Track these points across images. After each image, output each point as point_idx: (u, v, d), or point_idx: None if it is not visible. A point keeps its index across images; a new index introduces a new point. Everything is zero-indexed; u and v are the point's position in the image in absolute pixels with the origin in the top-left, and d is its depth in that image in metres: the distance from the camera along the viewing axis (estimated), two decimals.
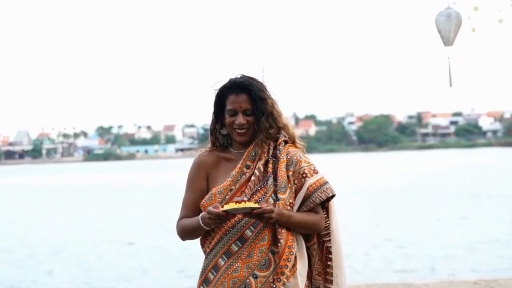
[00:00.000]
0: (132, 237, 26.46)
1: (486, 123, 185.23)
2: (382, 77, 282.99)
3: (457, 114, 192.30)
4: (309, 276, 4.16)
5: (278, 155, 4.10)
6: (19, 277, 19.20)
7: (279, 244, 3.98)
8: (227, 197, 4.04)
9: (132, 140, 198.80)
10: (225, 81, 4.17)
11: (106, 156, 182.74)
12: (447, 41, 10.58)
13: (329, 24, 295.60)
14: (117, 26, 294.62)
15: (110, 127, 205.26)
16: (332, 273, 4.19)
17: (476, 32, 11.10)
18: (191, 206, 4.16)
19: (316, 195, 4.07)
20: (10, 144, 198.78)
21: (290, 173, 4.07)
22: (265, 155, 4.11)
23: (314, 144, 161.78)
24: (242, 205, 3.85)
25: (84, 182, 72.95)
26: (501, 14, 10.96)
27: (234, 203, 3.88)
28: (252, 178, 4.06)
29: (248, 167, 4.10)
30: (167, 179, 68.41)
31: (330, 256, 4.19)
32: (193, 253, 20.05)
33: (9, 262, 21.86)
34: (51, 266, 20.81)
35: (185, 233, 4.14)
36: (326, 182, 4.12)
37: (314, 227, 4.10)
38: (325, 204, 4.16)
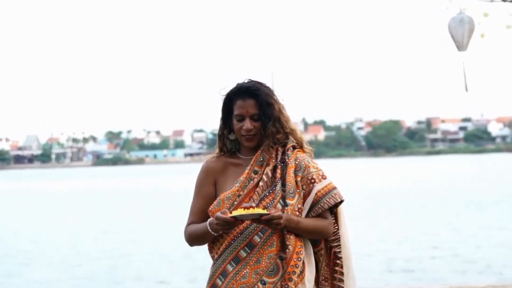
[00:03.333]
0: (138, 242, 26.46)
1: (495, 129, 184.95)
2: (391, 82, 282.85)
3: (466, 120, 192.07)
4: (316, 282, 4.16)
5: (287, 160, 4.09)
6: (24, 282, 19.22)
7: (287, 250, 3.97)
8: (235, 203, 4.03)
9: (141, 145, 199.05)
10: (232, 86, 4.17)
11: (115, 161, 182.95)
12: (461, 46, 10.55)
13: (338, 29, 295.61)
14: (127, 31, 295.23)
15: (119, 132, 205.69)
16: (339, 278, 4.18)
17: (485, 38, 11.08)
18: (199, 212, 4.16)
19: (324, 201, 4.06)
20: (20, 148, 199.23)
21: (299, 179, 4.06)
22: (273, 160, 4.11)
23: (323, 149, 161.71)
24: (251, 211, 3.84)
25: (93, 187, 73.04)
26: (511, 18, 10.93)
27: (242, 209, 3.87)
28: (260, 183, 4.05)
29: (256, 172, 4.09)
30: (175, 184, 68.42)
31: (337, 261, 4.18)
32: (201, 259, 20.04)
33: (14, 265, 21.88)
34: (55, 270, 20.83)
35: (193, 239, 4.13)
36: (334, 188, 4.10)
37: (323, 233, 4.09)
38: (333, 210, 4.15)
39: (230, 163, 4.18)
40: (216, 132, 4.29)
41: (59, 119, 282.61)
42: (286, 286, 3.96)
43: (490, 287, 11.15)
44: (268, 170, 4.08)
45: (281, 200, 4.00)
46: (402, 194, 46.16)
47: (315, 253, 4.15)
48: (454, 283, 15.37)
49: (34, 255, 24.31)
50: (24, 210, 44.80)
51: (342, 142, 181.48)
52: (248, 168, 4.10)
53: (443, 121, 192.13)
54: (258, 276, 3.98)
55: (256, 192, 4.03)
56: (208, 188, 4.16)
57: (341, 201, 4.12)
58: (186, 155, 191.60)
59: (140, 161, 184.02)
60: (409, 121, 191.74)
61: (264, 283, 3.97)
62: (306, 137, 4.26)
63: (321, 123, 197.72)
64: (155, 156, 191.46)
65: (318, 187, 4.06)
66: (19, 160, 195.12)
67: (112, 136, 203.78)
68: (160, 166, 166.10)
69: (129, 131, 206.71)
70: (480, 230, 26.57)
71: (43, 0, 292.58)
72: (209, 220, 4.01)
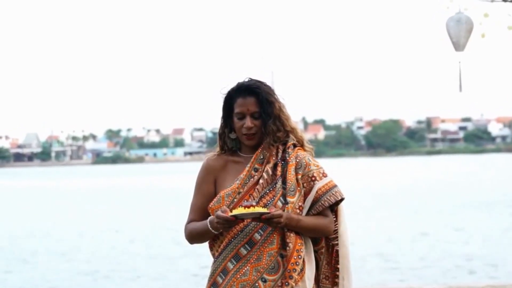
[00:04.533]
0: (138, 241, 26.46)
1: (495, 129, 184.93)
2: (391, 82, 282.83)
3: (466, 120, 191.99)
4: (317, 280, 4.16)
5: (287, 158, 4.09)
6: (22, 278, 19.22)
7: (288, 248, 3.98)
8: (235, 200, 4.04)
9: (141, 143, 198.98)
10: (233, 85, 4.18)
11: (115, 159, 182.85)
12: (458, 46, 10.54)
13: (338, 28, 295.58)
14: (127, 30, 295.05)
15: (119, 130, 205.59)
16: (339, 276, 4.18)
17: (486, 38, 11.07)
18: (199, 210, 4.16)
19: (325, 199, 4.06)
20: (19, 146, 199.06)
21: (299, 176, 4.07)
22: (274, 158, 4.11)
23: (323, 149, 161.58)
24: (251, 210, 3.85)
25: (93, 185, 73.02)
26: (511, 18, 10.93)
27: (243, 207, 3.87)
28: (261, 181, 4.06)
29: (256, 170, 4.10)
30: (175, 183, 68.40)
31: (339, 259, 4.18)
32: (201, 257, 20.04)
33: (13, 262, 21.88)
34: (54, 268, 20.83)
35: (193, 237, 4.14)
36: (335, 186, 4.11)
37: (323, 231, 4.09)
38: (334, 208, 4.15)
39: (230, 161, 4.19)
40: (216, 130, 4.30)
41: (59, 117, 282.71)
42: (287, 283, 3.96)
43: (489, 287, 11.16)
44: (268, 168, 4.08)
45: (281, 198, 4.01)
46: (402, 194, 46.16)
47: (316, 252, 4.15)
48: (453, 283, 15.38)
49: (33, 252, 24.30)
50: (24, 208, 44.79)
51: (342, 142, 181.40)
52: (249, 165, 4.10)
53: (443, 121, 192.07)
54: (258, 274, 3.98)
55: (256, 189, 4.04)
56: (208, 186, 4.17)
57: (342, 199, 4.12)
58: (186, 153, 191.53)
59: (140, 160, 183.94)
60: (409, 121, 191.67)
61: (264, 281, 3.98)
62: (306, 136, 4.26)
63: (321, 122, 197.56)
64: (155, 154, 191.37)
65: (318, 185, 4.07)
66: (19, 158, 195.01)
67: (112, 135, 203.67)
68: (160, 164, 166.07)
69: (129, 130, 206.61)
70: (480, 230, 26.56)
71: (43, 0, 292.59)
72: (209, 218, 4.02)
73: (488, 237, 24.52)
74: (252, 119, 4.09)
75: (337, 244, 4.18)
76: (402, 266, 19.14)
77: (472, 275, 17.57)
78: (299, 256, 3.99)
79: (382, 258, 20.52)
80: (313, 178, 4.07)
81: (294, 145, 4.16)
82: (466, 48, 10.60)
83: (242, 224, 3.99)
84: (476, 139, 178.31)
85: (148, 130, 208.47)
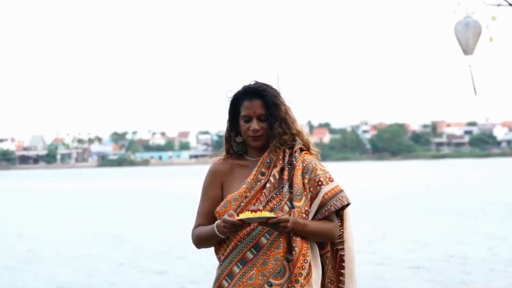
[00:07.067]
0: (143, 244, 26.46)
1: (500, 133, 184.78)
2: (396, 85, 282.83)
3: (472, 124, 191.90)
4: (322, 284, 4.17)
5: (294, 162, 4.09)
6: (26, 280, 19.24)
7: (294, 252, 3.98)
8: (242, 204, 4.03)
9: (146, 146, 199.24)
10: (238, 88, 4.17)
11: (120, 162, 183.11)
12: (467, 50, 10.53)
13: (344, 32, 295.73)
14: (133, 33, 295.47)
15: (125, 133, 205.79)
16: (344, 281, 4.18)
17: (492, 42, 11.04)
18: (206, 214, 4.16)
19: (331, 203, 4.06)
20: (25, 149, 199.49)
21: (306, 181, 4.06)
22: (280, 162, 4.11)
23: (328, 152, 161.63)
24: (258, 214, 3.84)
25: (98, 188, 73.08)
26: None
27: (249, 212, 3.87)
28: (267, 185, 4.05)
29: (263, 174, 4.09)
30: (180, 186, 68.43)
31: (343, 264, 4.19)
32: (207, 260, 20.05)
33: (17, 264, 21.90)
34: (58, 270, 20.84)
35: (201, 241, 4.14)
36: (342, 191, 4.11)
37: (329, 235, 4.09)
38: (339, 212, 4.15)
39: (236, 165, 4.18)
40: (221, 133, 4.32)
41: (65, 120, 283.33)
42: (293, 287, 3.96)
43: None
44: (275, 171, 4.08)
45: (288, 202, 4.00)
46: (407, 198, 46.13)
47: (321, 256, 4.16)
48: (458, 285, 15.35)
49: (37, 255, 24.32)
50: (29, 211, 44.85)
51: (347, 145, 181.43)
52: (255, 169, 4.10)
53: (448, 125, 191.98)
54: (265, 278, 3.98)
55: (263, 193, 4.04)
56: (215, 190, 4.16)
57: (348, 204, 4.12)
58: (191, 156, 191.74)
59: (145, 163, 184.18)
60: (415, 125, 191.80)
61: (270, 285, 3.98)
62: (312, 140, 4.26)
63: (326, 126, 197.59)
64: (160, 157, 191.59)
65: (325, 189, 4.06)
66: (24, 160, 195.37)
67: (117, 137, 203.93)
68: (165, 167, 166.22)
69: (134, 132, 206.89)
70: (485, 233, 26.53)
71: (49, 1, 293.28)
72: (216, 222, 4.02)
73: (493, 239, 24.48)
74: (259, 122, 4.09)
75: (341, 248, 4.18)
76: (406, 269, 19.12)
77: (477, 279, 17.54)
78: (305, 261, 3.99)
79: (386, 261, 20.49)
80: (319, 183, 4.07)
81: (301, 149, 4.16)
82: (475, 52, 10.58)
83: (248, 228, 3.99)
84: (482, 144, 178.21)
85: (154, 133, 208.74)
